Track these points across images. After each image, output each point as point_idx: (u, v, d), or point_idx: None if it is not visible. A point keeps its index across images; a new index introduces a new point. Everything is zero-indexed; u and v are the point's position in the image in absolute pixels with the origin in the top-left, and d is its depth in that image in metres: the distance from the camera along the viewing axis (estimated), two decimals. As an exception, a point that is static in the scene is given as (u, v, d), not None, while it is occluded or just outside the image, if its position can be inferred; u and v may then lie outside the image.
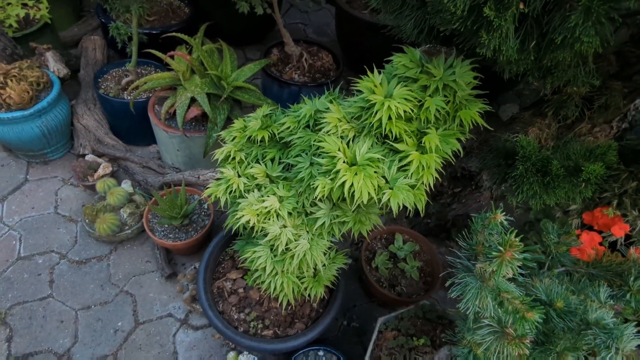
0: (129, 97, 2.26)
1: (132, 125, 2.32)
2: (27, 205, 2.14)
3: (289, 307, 1.56)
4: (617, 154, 1.30)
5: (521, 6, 0.71)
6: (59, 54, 2.43)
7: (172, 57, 2.01)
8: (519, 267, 0.88)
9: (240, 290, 1.61)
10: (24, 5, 2.37)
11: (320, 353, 1.59)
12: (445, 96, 1.05)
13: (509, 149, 1.19)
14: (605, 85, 1.20)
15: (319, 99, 1.25)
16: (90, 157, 2.23)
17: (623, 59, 1.22)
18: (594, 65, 0.99)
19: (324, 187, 1.03)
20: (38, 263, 1.95)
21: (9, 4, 2.32)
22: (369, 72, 1.07)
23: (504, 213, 0.83)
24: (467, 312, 0.90)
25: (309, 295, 1.40)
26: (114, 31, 2.07)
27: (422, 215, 1.02)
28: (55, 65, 2.37)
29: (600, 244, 1.37)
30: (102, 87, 2.31)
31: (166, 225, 1.95)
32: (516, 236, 1.27)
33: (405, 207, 1.04)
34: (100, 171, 2.16)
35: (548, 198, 1.11)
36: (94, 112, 2.38)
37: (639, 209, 1.46)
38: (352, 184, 0.98)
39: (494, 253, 0.75)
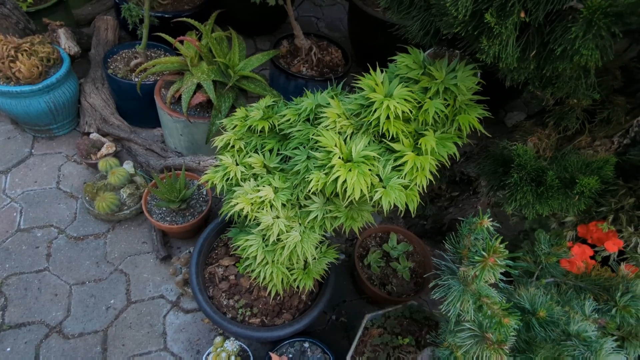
0: (136, 79, 2.27)
1: (138, 107, 2.34)
2: (30, 179, 2.17)
3: (278, 297, 1.58)
4: (617, 169, 1.30)
5: (522, 15, 0.71)
6: (71, 32, 2.45)
7: (181, 42, 2.02)
8: (504, 274, 0.89)
9: (232, 277, 1.63)
10: (40, -20, 2.38)
11: (306, 344, 1.61)
12: (445, 99, 1.05)
13: (506, 157, 1.19)
14: (608, 100, 1.20)
15: (321, 93, 1.26)
16: (94, 136, 2.25)
17: (629, 75, 1.21)
18: (597, 78, 0.99)
19: (318, 181, 1.04)
20: (37, 236, 1.98)
21: (24, -22, 2.34)
22: (371, 70, 1.07)
23: (492, 219, 0.84)
24: (449, 315, 0.91)
25: (298, 287, 1.42)
26: (126, 12, 2.08)
27: (413, 215, 1.03)
28: (66, 43, 2.39)
29: (593, 257, 1.37)
30: (111, 67, 2.33)
31: (164, 208, 1.97)
32: (509, 244, 1.27)
33: (405, 207, 1.05)
34: (104, 150, 2.19)
35: (541, 208, 1.11)
36: (101, 91, 2.40)
37: (635, 226, 1.46)
38: (345, 180, 0.99)
39: (477, 258, 0.76)
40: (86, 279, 1.88)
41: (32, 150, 2.29)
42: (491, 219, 0.82)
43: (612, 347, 0.91)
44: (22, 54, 2.01)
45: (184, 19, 2.07)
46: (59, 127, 2.33)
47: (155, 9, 2.55)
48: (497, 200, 1.42)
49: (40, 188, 2.15)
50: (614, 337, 0.96)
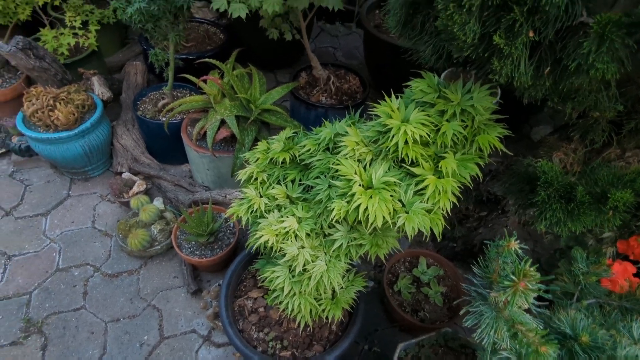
0: (164, 119, 2.39)
1: (166, 145, 2.44)
2: (68, 220, 2.28)
3: (308, 329, 1.56)
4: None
5: (531, 34, 0.71)
6: (104, 79, 2.62)
7: (204, 81, 2.12)
8: (539, 298, 0.85)
9: (261, 309, 1.63)
10: (75, 34, 2.58)
11: (339, 377, 1.57)
12: (463, 121, 1.05)
13: (531, 174, 1.16)
14: (634, 109, 1.16)
15: (339, 122, 1.28)
16: (126, 175, 2.36)
17: (655, 83, 1.17)
18: (619, 89, 0.96)
19: (340, 209, 1.05)
20: (74, 275, 2.06)
21: (62, 34, 2.54)
22: (386, 97, 1.09)
23: (521, 241, 0.81)
24: (484, 343, 0.88)
25: (327, 317, 1.40)
26: (153, 57, 2.21)
27: (439, 239, 1.01)
28: (99, 89, 2.55)
29: (637, 275, 1.29)
30: (141, 109, 2.46)
31: (193, 242, 2.01)
32: (545, 263, 1.22)
33: (430, 232, 1.03)
34: (135, 188, 2.28)
35: (573, 225, 1.07)
36: (132, 132, 2.52)
37: (681, 239, 1.37)
38: (366, 207, 0.99)
39: (506, 282, 0.73)
40: (121, 316, 1.92)
41: (70, 192, 2.42)
42: (518, 241, 0.80)
43: (667, 374, 0.85)
44: (59, 103, 2.16)
45: (207, 59, 2.18)
46: (94, 169, 2.46)
47: (180, 51, 2.70)
48: (527, 219, 1.37)
49: (77, 228, 2.25)
50: (668, 363, 0.89)
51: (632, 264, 1.23)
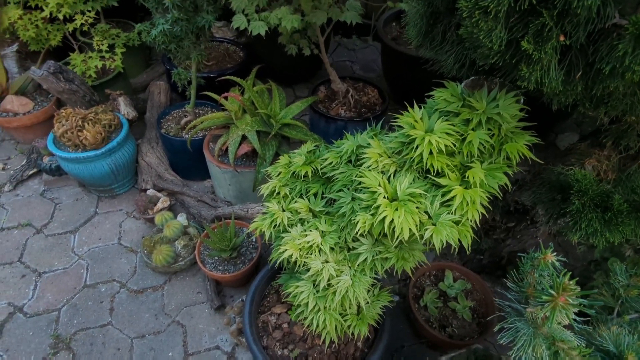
0: (186, 136, 2.43)
1: (189, 161, 2.48)
2: (95, 237, 2.33)
3: (333, 346, 1.53)
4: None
5: (562, 38, 0.69)
6: (129, 99, 2.70)
7: (226, 98, 2.16)
8: (578, 313, 0.80)
9: (285, 325, 1.61)
10: (102, 57, 2.68)
11: (366, 396, 1.52)
12: (489, 129, 1.02)
13: (563, 183, 1.12)
14: (672, 113, 1.10)
15: (360, 134, 1.27)
16: (151, 192, 2.40)
17: (692, 84, 1.12)
18: (655, 92, 0.92)
19: (365, 222, 1.03)
20: (101, 291, 2.09)
21: (90, 57, 2.64)
22: (409, 107, 1.08)
23: (556, 252, 0.78)
24: (520, 361, 0.83)
25: (353, 333, 1.37)
26: (176, 77, 2.27)
27: (467, 251, 0.98)
28: (125, 109, 2.63)
29: (682, 287, 1.21)
30: (164, 127, 2.52)
31: (216, 258, 2.02)
32: (579, 276, 1.16)
33: (458, 244, 1.00)
34: (160, 205, 2.32)
35: (611, 235, 1.02)
36: (156, 150, 2.58)
37: None
38: (392, 220, 0.97)
39: (544, 297, 0.70)
40: (146, 332, 1.93)
41: (97, 210, 2.48)
42: (555, 253, 0.76)
43: None
44: (88, 123, 2.23)
45: (227, 77, 2.22)
46: (120, 186, 2.52)
47: (201, 70, 2.76)
48: (558, 230, 1.32)
49: (104, 244, 2.29)
50: None
51: (676, 276, 1.16)
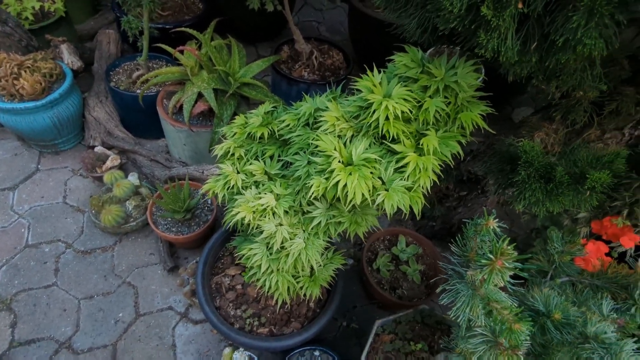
0: (138, 91, 2.28)
1: (141, 118, 2.35)
2: (37, 194, 2.19)
3: (285, 306, 1.56)
4: (630, 161, 1.25)
5: (520, 5, 0.68)
6: (74, 47, 2.48)
7: (181, 52, 2.03)
8: (515, 276, 0.85)
9: (239, 286, 1.61)
10: (41, -2, 2.42)
11: (316, 353, 1.58)
12: (446, 97, 1.02)
13: (512, 154, 1.16)
14: (616, 91, 1.15)
15: (320, 97, 1.24)
16: (99, 149, 2.26)
17: (637, 64, 1.17)
18: (603, 69, 0.95)
19: (319, 186, 1.02)
20: (45, 251, 1.99)
21: (26, -4, 2.37)
22: (368, 71, 1.05)
23: (500, 220, 0.81)
24: (459, 320, 0.88)
25: (305, 294, 1.39)
26: (126, 25, 2.09)
27: (417, 217, 1.00)
28: (69, 58, 2.41)
29: (608, 254, 1.32)
30: (114, 80, 2.35)
31: (169, 219, 1.96)
32: (522, 243, 1.22)
33: (409, 210, 1.02)
34: (109, 163, 2.19)
35: (551, 205, 1.07)
36: (105, 104, 2.41)
37: (651, 220, 1.40)
38: (345, 184, 0.97)
39: (484, 261, 0.73)
40: (94, 293, 1.88)
41: (39, 166, 2.31)
42: (497, 220, 0.79)
43: (633, 350, 0.87)
44: (25, 71, 2.03)
45: (184, 29, 2.07)
46: (64, 142, 2.35)
47: (156, 20, 2.57)
48: (506, 199, 1.38)
49: (47, 203, 2.16)
50: (635, 339, 0.91)
51: (604, 244, 1.26)
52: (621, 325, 1.01)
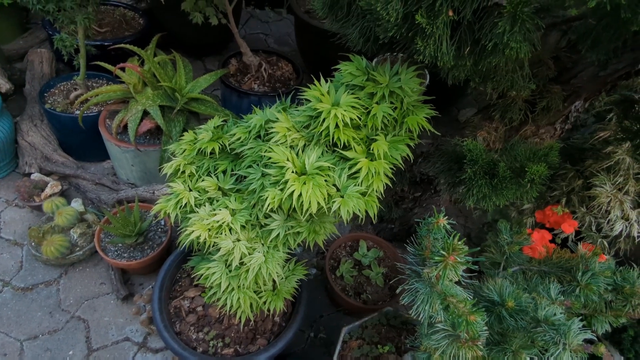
0: (77, 112, 2.16)
1: (83, 141, 2.22)
2: (-33, 230, 1.99)
3: (250, 323, 1.52)
4: (564, 153, 1.35)
5: (450, 13, 0.72)
6: (1, 68, 2.30)
7: (122, 69, 1.95)
8: (467, 270, 0.88)
9: (199, 308, 1.55)
10: (-39, 17, 2.23)
11: (285, 368, 1.55)
12: (392, 103, 1.06)
13: (458, 153, 1.21)
14: (545, 89, 1.25)
15: (270, 108, 1.23)
16: (36, 176, 2.10)
17: (561, 64, 1.27)
18: (531, 70, 1.02)
19: (274, 197, 1.01)
20: (-21, 292, 1.81)
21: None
22: (315, 81, 1.06)
23: (449, 217, 0.84)
24: (420, 318, 0.90)
25: (269, 309, 1.37)
26: (59, 43, 1.97)
27: (374, 221, 1.02)
28: (-3, 80, 2.24)
29: (552, 241, 1.41)
30: (49, 101, 2.20)
31: (120, 244, 1.86)
32: (476, 237, 1.26)
33: (367, 214, 1.03)
34: (48, 190, 2.04)
35: (497, 199, 1.13)
36: (40, 128, 2.25)
37: (587, 206, 1.52)
38: (300, 194, 0.97)
39: (437, 258, 0.75)
40: (39, 332, 1.73)
41: (-33, 199, 2.11)
42: (447, 217, 0.82)
43: (579, 328, 0.93)
44: (-55, 97, 1.86)
45: (123, 45, 1.99)
46: (-4, 171, 2.17)
47: (93, 37, 2.45)
48: (457, 197, 1.44)
49: (-20, 239, 1.97)
50: (580, 317, 0.98)
51: (548, 232, 1.34)
52: (568, 306, 1.08)
